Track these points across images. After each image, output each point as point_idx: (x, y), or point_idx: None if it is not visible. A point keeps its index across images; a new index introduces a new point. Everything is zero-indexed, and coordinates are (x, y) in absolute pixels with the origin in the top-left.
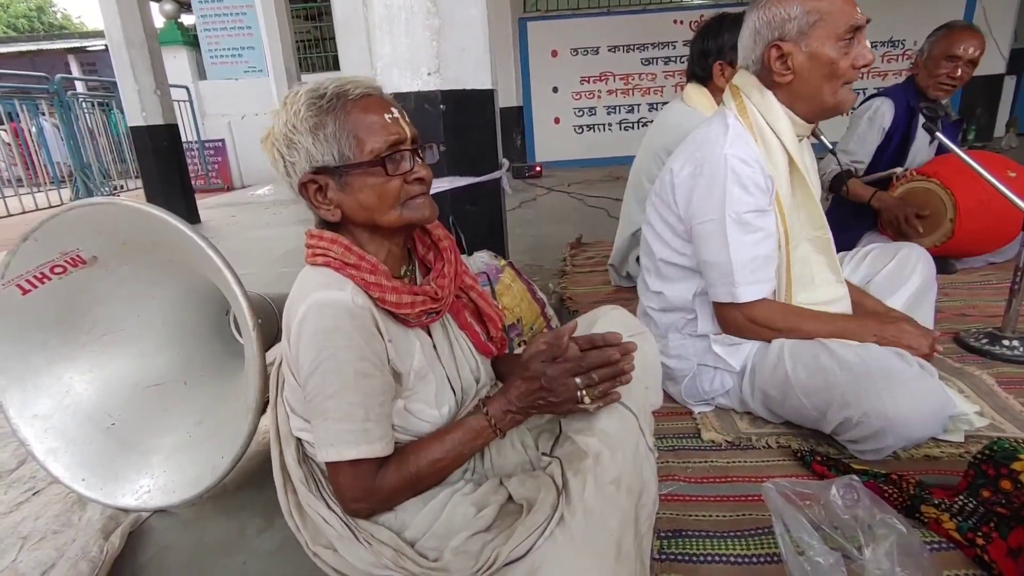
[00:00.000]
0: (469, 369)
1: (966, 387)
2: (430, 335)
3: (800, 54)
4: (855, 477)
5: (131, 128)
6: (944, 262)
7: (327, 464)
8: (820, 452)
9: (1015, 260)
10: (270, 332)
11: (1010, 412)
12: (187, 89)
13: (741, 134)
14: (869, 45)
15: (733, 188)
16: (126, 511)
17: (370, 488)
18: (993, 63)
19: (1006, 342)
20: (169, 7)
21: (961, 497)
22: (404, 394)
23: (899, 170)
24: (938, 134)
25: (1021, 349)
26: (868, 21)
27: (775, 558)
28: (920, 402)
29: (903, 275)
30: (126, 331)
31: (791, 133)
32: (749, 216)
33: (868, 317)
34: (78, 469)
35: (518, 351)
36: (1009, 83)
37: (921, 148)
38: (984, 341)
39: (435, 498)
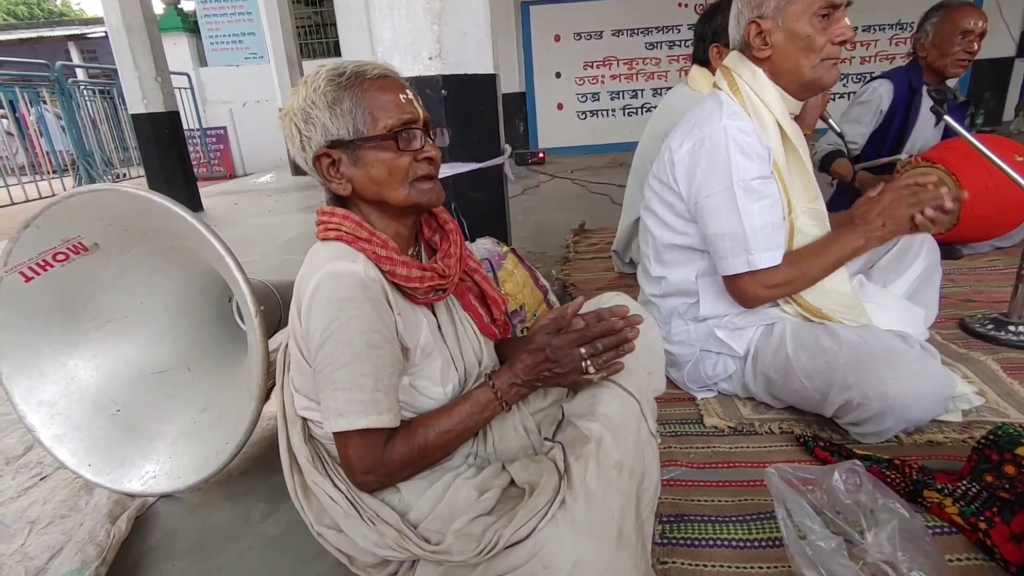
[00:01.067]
0: (472, 350)
1: (970, 372)
2: (435, 315)
3: (777, 30)
4: (857, 462)
5: (132, 115)
6: (949, 248)
7: (336, 435)
8: (823, 437)
9: (1022, 245)
10: (273, 319)
11: (1014, 397)
12: (188, 76)
13: (736, 109)
14: (848, 23)
15: (737, 157)
16: (132, 496)
17: (379, 460)
18: (1003, 46)
19: (1012, 327)
20: None
21: (964, 482)
22: (410, 370)
23: (904, 156)
24: (945, 116)
25: None
26: (849, 3)
27: (777, 542)
28: (920, 383)
29: (907, 260)
30: (129, 318)
31: (782, 107)
32: (756, 183)
33: (844, 227)
34: (84, 455)
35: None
36: (1019, 66)
37: (925, 131)
38: (989, 327)
39: (438, 481)
